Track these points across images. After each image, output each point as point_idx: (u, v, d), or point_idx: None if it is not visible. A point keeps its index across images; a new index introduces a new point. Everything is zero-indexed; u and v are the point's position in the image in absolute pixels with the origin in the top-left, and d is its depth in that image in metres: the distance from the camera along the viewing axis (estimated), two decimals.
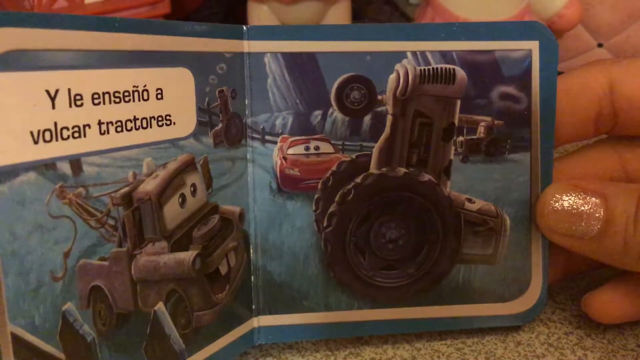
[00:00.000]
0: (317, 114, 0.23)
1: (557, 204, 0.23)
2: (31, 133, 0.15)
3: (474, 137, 0.23)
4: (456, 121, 0.23)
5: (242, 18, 0.46)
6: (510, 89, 0.23)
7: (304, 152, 0.23)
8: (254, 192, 0.23)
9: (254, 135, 0.22)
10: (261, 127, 0.22)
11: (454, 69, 0.23)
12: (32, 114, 0.15)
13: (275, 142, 0.22)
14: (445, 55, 0.23)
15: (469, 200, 0.24)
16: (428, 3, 0.46)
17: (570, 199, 0.22)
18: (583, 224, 0.22)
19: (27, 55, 0.14)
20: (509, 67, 0.23)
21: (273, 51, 0.22)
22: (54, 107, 0.15)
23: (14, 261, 0.15)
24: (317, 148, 0.23)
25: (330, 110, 0.23)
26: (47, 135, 0.15)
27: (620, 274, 0.25)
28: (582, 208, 0.22)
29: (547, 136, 0.24)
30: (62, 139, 0.15)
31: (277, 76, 0.22)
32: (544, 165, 0.24)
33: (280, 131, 0.22)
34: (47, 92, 0.15)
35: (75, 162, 0.16)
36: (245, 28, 0.21)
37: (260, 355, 0.25)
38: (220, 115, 0.21)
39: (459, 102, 0.23)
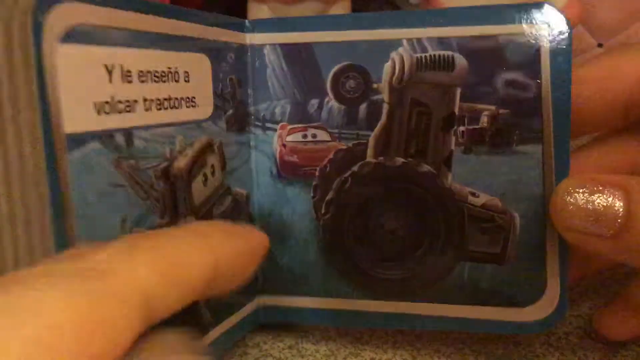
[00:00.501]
0: (314, 102, 0.23)
1: (571, 199, 0.21)
2: (94, 104, 0.16)
3: (477, 126, 0.22)
4: (456, 110, 0.22)
5: (242, 18, 0.46)
6: (516, 76, 0.22)
7: (302, 139, 0.23)
8: (257, 177, 0.23)
9: (256, 122, 0.23)
10: (262, 115, 0.23)
11: (452, 56, 0.22)
12: (95, 86, 0.16)
13: (275, 130, 0.23)
14: (442, 42, 0.22)
15: (473, 194, 0.23)
16: (428, 2, 0.46)
17: (586, 194, 0.20)
18: (601, 220, 0.20)
19: (91, 30, 0.15)
20: (514, 52, 0.22)
21: (272, 43, 0.23)
22: (110, 81, 0.16)
23: (85, 225, 0.16)
24: (314, 136, 0.23)
25: (327, 99, 0.23)
26: (107, 107, 0.16)
27: (630, 286, 0.25)
28: (600, 203, 0.20)
29: (562, 126, 0.22)
30: (118, 112, 0.16)
31: (275, 67, 0.23)
32: (558, 158, 0.22)
33: (279, 119, 0.23)
34: (106, 66, 0.16)
35: (128, 135, 0.17)
36: (246, 21, 0.23)
37: (261, 355, 0.25)
38: (231, 101, 0.22)
39: (459, 91, 0.22)
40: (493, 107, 0.22)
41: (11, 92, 0.14)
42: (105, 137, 0.16)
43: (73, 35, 0.15)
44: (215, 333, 0.22)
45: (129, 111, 0.17)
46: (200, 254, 0.16)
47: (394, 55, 0.22)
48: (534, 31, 0.21)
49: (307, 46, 0.23)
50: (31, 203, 0.14)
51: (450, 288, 0.24)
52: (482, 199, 0.23)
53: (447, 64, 0.22)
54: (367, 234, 0.24)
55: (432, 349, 0.25)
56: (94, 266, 0.13)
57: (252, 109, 0.23)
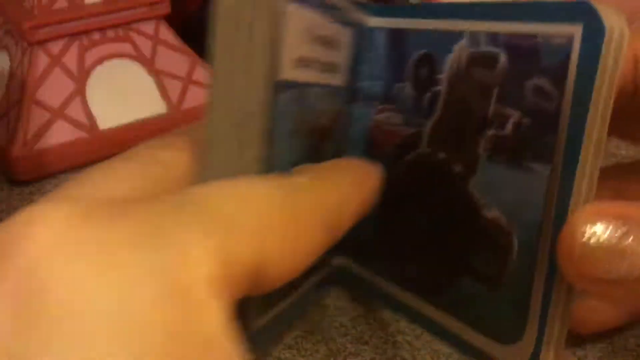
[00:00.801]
0: (398, 86, 0.23)
1: (592, 240, 0.16)
2: (294, 58, 0.18)
3: (502, 133, 0.20)
4: (490, 112, 0.20)
5: None
6: (543, 83, 0.19)
7: (384, 120, 0.24)
8: (351, 149, 0.24)
9: (360, 98, 0.24)
10: (365, 92, 0.24)
11: (498, 54, 0.20)
12: (297, 43, 0.18)
13: (370, 107, 0.24)
14: (493, 38, 0.20)
15: (487, 207, 0.21)
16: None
17: (608, 231, 0.16)
18: (626, 262, 0.16)
19: None
20: (547, 55, 0.19)
21: (381, 27, 0.24)
22: (306, 40, 0.18)
23: (276, 162, 0.17)
24: (391, 118, 0.24)
25: (405, 85, 0.23)
26: (299, 62, 0.18)
27: None
28: (625, 241, 0.16)
29: (573, 147, 0.18)
30: (304, 67, 0.19)
31: (380, 49, 0.24)
32: (563, 184, 0.18)
33: (374, 98, 0.24)
34: (306, 27, 0.18)
35: (306, 89, 0.19)
36: (370, 4, 0.24)
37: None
38: (350, 75, 0.24)
39: (496, 91, 0.20)
40: (518, 114, 0.20)
41: (249, 37, 0.16)
42: (296, 87, 0.18)
43: None
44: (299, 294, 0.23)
45: (310, 68, 0.19)
46: (354, 186, 0.18)
47: (455, 47, 0.22)
48: (567, 32, 0.18)
49: (402, 32, 0.23)
50: (246, 133, 0.16)
51: (451, 298, 0.22)
52: (493, 213, 0.20)
53: (491, 62, 0.20)
54: (395, 221, 0.24)
55: (432, 349, 0.25)
56: (293, 183, 0.16)
57: (359, 84, 0.24)
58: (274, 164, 0.17)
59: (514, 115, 0.20)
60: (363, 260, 0.25)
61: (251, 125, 0.16)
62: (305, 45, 0.19)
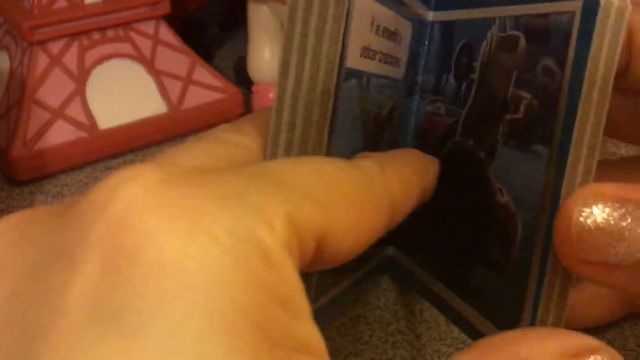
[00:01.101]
0: (445, 77, 0.24)
1: (588, 221, 0.16)
2: (361, 47, 0.18)
3: (516, 116, 0.19)
4: (509, 96, 0.20)
5: (242, 18, 0.46)
6: (550, 62, 0.18)
7: (433, 111, 0.24)
8: (405, 141, 0.25)
9: (418, 90, 0.25)
10: (421, 84, 0.24)
11: (519, 37, 0.20)
12: (364, 33, 0.18)
13: (424, 98, 0.25)
14: (516, 21, 0.20)
15: (500, 192, 0.20)
16: None
17: (605, 212, 0.16)
18: (625, 245, 0.15)
19: None
20: (554, 34, 0.18)
21: (437, 20, 0.24)
22: (371, 31, 0.19)
23: (338, 147, 0.18)
24: (438, 109, 0.24)
25: (449, 76, 0.23)
26: (365, 52, 0.19)
27: None
28: (624, 222, 0.16)
29: (568, 127, 0.17)
30: (368, 57, 0.19)
31: (435, 41, 0.24)
32: (558, 166, 0.18)
33: (428, 90, 0.24)
34: (372, 18, 0.19)
35: (368, 78, 0.20)
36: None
37: None
38: (412, 68, 0.24)
39: (515, 74, 0.20)
40: (529, 96, 0.19)
41: (319, 25, 0.16)
42: (360, 76, 0.19)
43: None
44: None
45: (373, 59, 0.20)
46: (417, 174, 0.19)
47: (488, 34, 0.21)
48: (570, 8, 0.18)
49: (452, 24, 0.23)
50: (313, 117, 0.17)
51: (469, 287, 0.22)
52: (504, 199, 0.20)
53: (513, 45, 0.20)
54: (431, 211, 0.22)
55: (432, 349, 0.25)
56: (361, 166, 0.16)
57: (417, 78, 0.24)
58: (337, 149, 0.18)
59: (527, 98, 0.19)
60: (407, 250, 0.25)
61: (318, 111, 0.17)
62: (371, 36, 0.19)
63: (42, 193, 0.36)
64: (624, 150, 0.36)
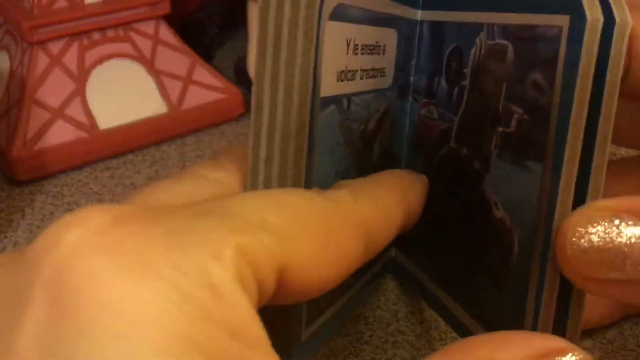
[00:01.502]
0: (436, 80, 0.24)
1: (583, 241, 0.15)
2: (337, 72, 0.18)
3: (508, 130, 0.19)
4: (501, 107, 0.20)
5: (242, 18, 0.46)
6: (538, 77, 0.18)
7: (426, 114, 0.24)
8: (407, 141, 0.25)
9: (412, 92, 0.25)
10: (414, 86, 0.24)
11: (507, 46, 0.19)
12: (339, 57, 0.18)
13: (417, 100, 0.24)
14: (504, 30, 0.19)
15: (496, 205, 0.20)
16: None
17: (601, 230, 0.15)
18: (629, 262, 0.15)
19: (344, 9, 0.18)
20: (542, 48, 0.18)
21: (427, 19, 0.24)
22: (347, 52, 0.19)
23: (316, 174, 0.18)
24: (431, 112, 0.24)
25: (440, 79, 0.23)
26: (342, 75, 0.19)
27: None
28: (621, 239, 0.15)
29: (560, 144, 0.17)
30: (347, 80, 0.19)
31: (425, 42, 0.24)
32: (552, 184, 0.17)
33: (421, 91, 0.24)
34: (347, 40, 0.19)
35: (349, 99, 0.20)
36: None
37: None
38: (402, 72, 0.24)
39: (505, 85, 0.19)
40: (520, 110, 0.19)
41: (289, 59, 0.16)
42: (338, 101, 0.19)
43: (335, 14, 0.17)
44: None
45: (352, 79, 0.20)
46: (397, 200, 0.18)
47: (477, 40, 0.21)
48: (558, 23, 0.17)
49: (441, 25, 0.23)
50: (289, 151, 0.17)
51: (470, 296, 0.22)
52: (500, 213, 0.20)
53: (501, 55, 0.20)
54: (430, 216, 0.23)
55: (432, 349, 0.25)
56: (330, 196, 0.16)
57: (411, 79, 0.24)
58: (318, 179, 0.18)
59: (518, 112, 0.19)
60: (409, 252, 0.25)
61: (294, 144, 0.17)
62: (347, 58, 0.19)
63: (42, 193, 0.36)
64: (624, 150, 0.36)
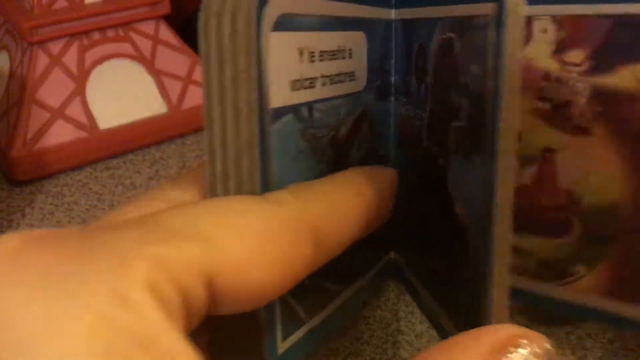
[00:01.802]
0: (408, 79, 0.23)
1: None
2: (290, 82, 0.18)
3: (460, 124, 0.19)
4: (454, 101, 0.19)
5: None
6: (476, 68, 0.18)
7: (406, 113, 0.24)
8: (386, 145, 0.24)
9: (393, 92, 0.24)
10: (396, 85, 0.24)
11: (454, 40, 0.19)
12: (291, 67, 0.18)
13: (398, 100, 0.24)
14: (452, 23, 0.19)
15: (457, 202, 0.20)
16: None
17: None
18: None
19: (290, 19, 0.18)
20: (477, 38, 0.17)
21: (399, 18, 0.23)
22: (301, 62, 0.19)
23: (277, 187, 0.17)
24: (409, 111, 0.24)
25: (411, 77, 0.23)
26: (297, 84, 0.19)
27: None
28: None
29: (492, 135, 0.16)
30: (304, 88, 0.19)
31: (399, 41, 0.24)
32: (490, 177, 0.17)
33: (401, 90, 0.24)
34: (299, 49, 0.18)
35: (310, 107, 0.19)
36: None
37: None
38: (379, 73, 0.24)
39: (455, 79, 0.19)
40: (468, 103, 0.18)
41: (234, 74, 0.16)
42: (295, 110, 0.19)
43: (279, 24, 0.17)
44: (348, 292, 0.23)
45: (312, 87, 0.19)
46: (353, 198, 0.18)
47: (434, 36, 0.21)
48: (488, 11, 0.17)
49: (410, 22, 0.23)
50: (244, 164, 0.16)
51: (446, 295, 0.21)
52: (459, 209, 0.19)
53: (449, 49, 0.19)
54: (412, 216, 0.23)
55: None
56: (271, 198, 0.16)
57: (392, 79, 0.24)
58: (281, 188, 0.17)
59: (465, 105, 0.18)
60: (406, 256, 0.25)
61: (247, 158, 0.17)
62: (303, 66, 0.19)
63: (42, 193, 0.36)
64: None
